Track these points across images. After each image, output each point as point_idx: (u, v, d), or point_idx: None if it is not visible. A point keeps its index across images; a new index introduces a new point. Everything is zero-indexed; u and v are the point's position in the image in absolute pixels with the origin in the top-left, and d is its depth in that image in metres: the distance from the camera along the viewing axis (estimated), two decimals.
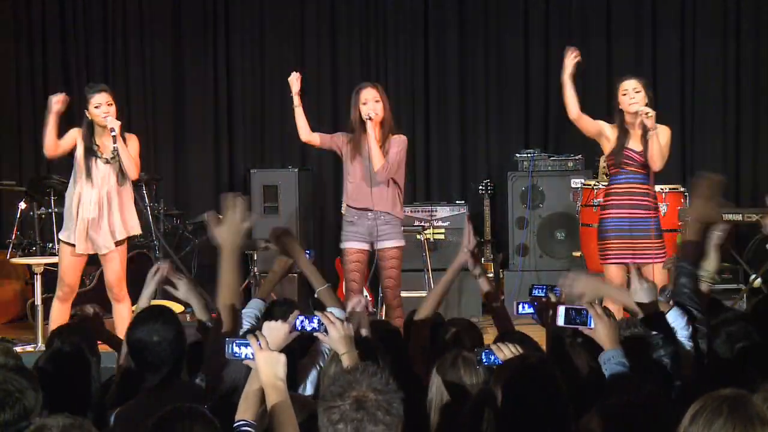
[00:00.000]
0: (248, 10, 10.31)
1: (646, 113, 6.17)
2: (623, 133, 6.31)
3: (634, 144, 6.29)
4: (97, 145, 6.59)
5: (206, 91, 10.32)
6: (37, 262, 7.91)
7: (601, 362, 3.29)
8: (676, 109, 9.96)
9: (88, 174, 6.56)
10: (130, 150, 6.61)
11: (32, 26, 10.25)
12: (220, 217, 4.11)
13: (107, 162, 6.57)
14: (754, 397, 2.51)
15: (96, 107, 6.54)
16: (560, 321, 3.33)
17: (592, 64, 9.99)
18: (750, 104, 9.90)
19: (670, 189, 8.76)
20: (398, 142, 6.50)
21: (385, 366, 3.14)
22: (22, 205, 8.75)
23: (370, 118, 6.37)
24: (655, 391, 2.95)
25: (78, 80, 10.27)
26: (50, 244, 8.59)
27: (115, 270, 6.70)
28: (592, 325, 3.28)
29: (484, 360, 3.27)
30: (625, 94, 6.30)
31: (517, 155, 9.38)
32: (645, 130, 6.22)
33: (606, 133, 6.37)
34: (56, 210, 8.68)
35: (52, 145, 6.56)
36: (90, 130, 6.61)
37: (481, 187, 9.44)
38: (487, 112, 10.20)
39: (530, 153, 9.29)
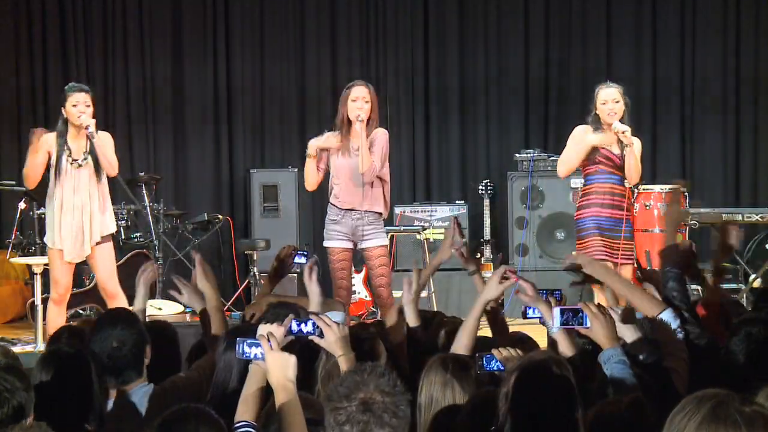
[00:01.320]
0: (248, 9, 10.31)
1: (623, 132, 6.26)
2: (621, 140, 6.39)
3: (613, 146, 6.39)
4: (69, 149, 6.51)
5: (206, 91, 10.31)
6: (37, 262, 7.91)
7: (601, 362, 3.26)
8: (676, 109, 9.96)
9: (61, 177, 6.51)
10: (106, 148, 6.54)
11: (32, 26, 10.24)
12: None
13: (80, 166, 6.51)
14: (759, 397, 2.48)
15: (74, 105, 6.45)
16: (556, 323, 3.31)
17: (591, 64, 10.01)
18: (750, 104, 9.89)
19: (670, 189, 8.76)
20: (380, 138, 6.41)
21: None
22: (22, 205, 8.75)
23: (360, 120, 6.32)
24: (638, 397, 2.93)
25: (78, 80, 10.25)
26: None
27: (104, 267, 6.65)
28: (589, 325, 3.26)
29: (486, 365, 3.22)
30: (605, 104, 6.38)
31: (517, 155, 9.37)
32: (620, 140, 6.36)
33: (593, 141, 6.41)
34: None
35: (37, 178, 6.58)
36: (65, 130, 6.52)
37: (481, 187, 9.44)
38: (487, 112, 10.19)
39: (530, 153, 9.28)
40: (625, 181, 6.40)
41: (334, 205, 6.55)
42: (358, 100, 6.38)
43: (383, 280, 6.46)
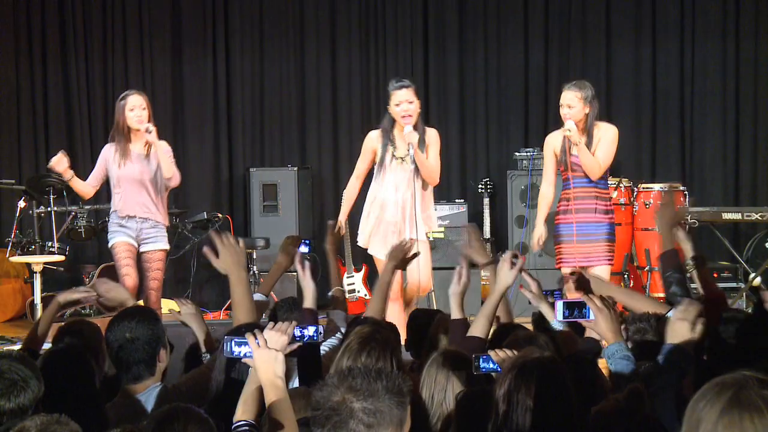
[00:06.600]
0: (247, 10, 10.31)
1: (568, 129, 6.31)
2: (568, 139, 6.46)
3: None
4: (394, 146, 6.38)
5: (206, 90, 10.31)
6: (36, 260, 7.90)
7: (606, 357, 3.25)
8: (676, 109, 9.97)
9: (383, 174, 6.42)
10: (432, 151, 6.48)
11: (32, 26, 10.24)
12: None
13: (402, 161, 6.40)
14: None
15: (397, 105, 6.32)
16: (559, 316, 3.33)
17: (592, 64, 10.01)
18: (750, 104, 9.90)
19: (660, 189, 8.76)
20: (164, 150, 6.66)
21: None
22: (22, 204, 8.74)
23: (149, 131, 6.52)
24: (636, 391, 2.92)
25: (77, 80, 10.26)
26: (49, 243, 8.57)
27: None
28: (591, 317, 3.26)
29: (482, 367, 3.20)
30: (561, 106, 6.48)
31: (517, 154, 9.37)
32: (590, 138, 6.39)
33: (557, 149, 6.53)
34: (55, 209, 8.66)
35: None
36: (390, 127, 6.38)
37: (480, 186, 9.44)
38: (487, 112, 10.20)
39: (530, 152, 9.28)
40: (599, 182, 6.43)
41: (116, 211, 6.73)
42: (136, 109, 6.57)
43: (156, 284, 6.66)
